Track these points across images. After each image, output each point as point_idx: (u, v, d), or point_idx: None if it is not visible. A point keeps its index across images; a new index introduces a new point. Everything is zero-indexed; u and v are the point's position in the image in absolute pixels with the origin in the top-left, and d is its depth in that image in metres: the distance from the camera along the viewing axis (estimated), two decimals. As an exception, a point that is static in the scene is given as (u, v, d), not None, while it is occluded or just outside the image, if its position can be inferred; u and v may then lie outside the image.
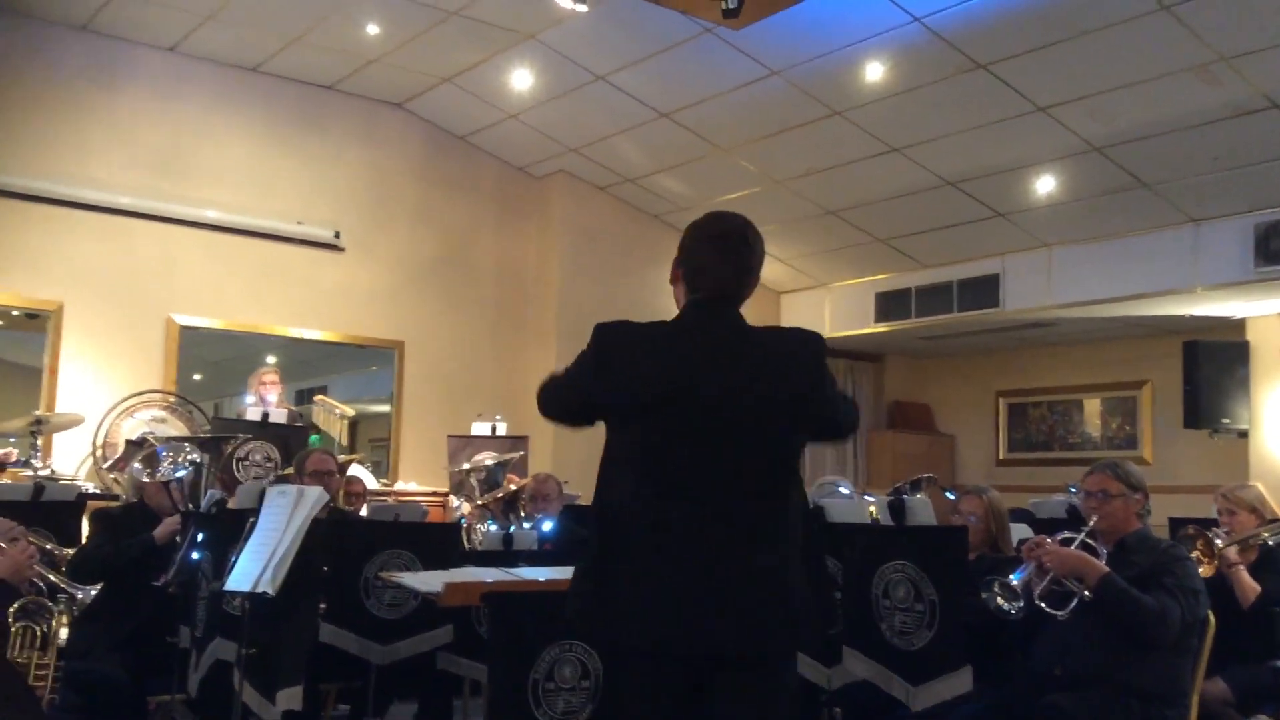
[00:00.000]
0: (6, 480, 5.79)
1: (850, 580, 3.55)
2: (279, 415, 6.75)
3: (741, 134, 8.00)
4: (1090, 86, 6.61)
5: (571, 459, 7.57)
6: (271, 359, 8.10)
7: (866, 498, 5.30)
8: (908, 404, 11.35)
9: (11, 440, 6.64)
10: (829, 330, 10.09)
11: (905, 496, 3.96)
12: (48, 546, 3.41)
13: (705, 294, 2.47)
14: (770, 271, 10.06)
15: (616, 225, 9.45)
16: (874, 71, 6.90)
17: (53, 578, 3.05)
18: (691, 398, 2.35)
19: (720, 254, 2.47)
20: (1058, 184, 7.74)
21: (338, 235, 8.34)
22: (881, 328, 9.72)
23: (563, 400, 2.58)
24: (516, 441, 7.50)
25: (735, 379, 2.37)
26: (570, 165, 9.08)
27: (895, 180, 8.10)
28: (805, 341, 2.49)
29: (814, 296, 10.21)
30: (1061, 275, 8.48)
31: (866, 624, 3.43)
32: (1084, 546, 3.59)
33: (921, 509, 3.60)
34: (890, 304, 9.59)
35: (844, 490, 5.45)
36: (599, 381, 2.43)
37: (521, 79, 7.80)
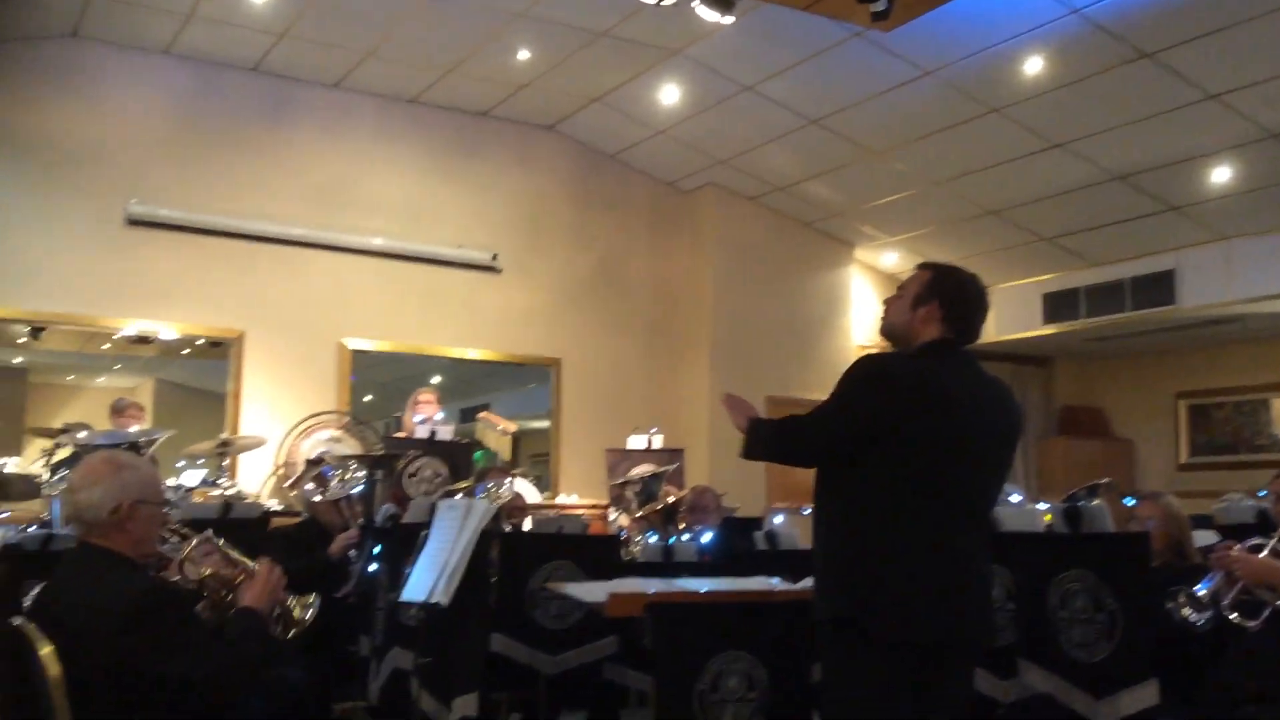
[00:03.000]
0: (197, 499, 6.13)
1: (1024, 590, 3.43)
2: (445, 433, 6.95)
3: (895, 137, 7.86)
4: (1264, 72, 6.26)
5: (729, 472, 7.54)
6: (436, 379, 8.37)
7: (1039, 506, 5.11)
8: (1079, 408, 10.90)
9: (200, 462, 7.04)
10: (993, 334, 9.79)
11: (1081, 503, 3.79)
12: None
13: (955, 338, 2.83)
14: (928, 276, 9.81)
15: (767, 235, 9.41)
16: (1032, 66, 6.68)
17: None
18: (958, 427, 2.69)
19: (982, 313, 2.89)
20: (1234, 174, 7.33)
21: (495, 258, 8.57)
22: (1050, 329, 9.39)
23: (826, 435, 2.79)
24: (673, 454, 7.53)
25: (984, 413, 2.76)
26: (719, 177, 9.10)
27: (1059, 177, 7.82)
28: (1013, 396, 2.96)
29: (975, 300, 9.90)
30: (1243, 269, 8.02)
31: (1043, 636, 3.30)
32: (1275, 554, 3.38)
33: (1099, 516, 3.44)
34: (1058, 305, 9.27)
35: (1014, 498, 5.27)
36: (872, 411, 2.70)
37: (669, 94, 7.87)
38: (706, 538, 5.30)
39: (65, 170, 7.25)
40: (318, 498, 5.03)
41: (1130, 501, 4.55)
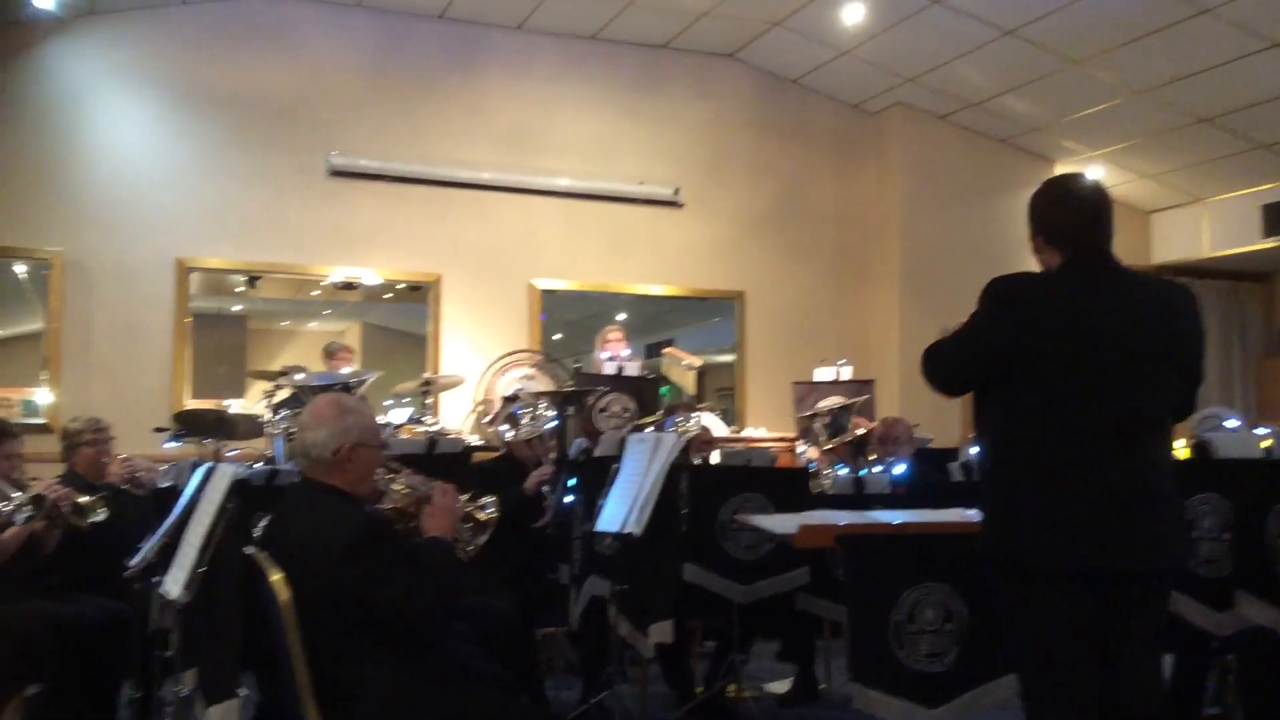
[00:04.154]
0: (405, 435, 6.46)
1: (1241, 519, 3.24)
2: (632, 369, 7.06)
3: (1096, 44, 7.39)
4: None
5: (921, 402, 7.32)
6: (621, 316, 8.50)
7: (1258, 431, 4.81)
8: (1305, 327, 10.11)
9: (406, 400, 7.41)
10: (1208, 250, 9.19)
11: (1306, 429, 3.55)
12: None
13: (1076, 255, 2.62)
14: (1138, 190, 9.29)
15: (960, 155, 9.05)
16: (1250, -45, 6.14)
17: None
18: (1093, 342, 2.53)
19: (1081, 216, 2.64)
20: None
21: (677, 192, 8.57)
22: (1271, 243, 8.73)
23: (958, 360, 2.73)
24: (862, 385, 7.41)
25: (1130, 323, 2.56)
26: (907, 96, 8.79)
27: (1279, 78, 7.19)
28: (1185, 296, 2.68)
29: (1188, 214, 9.30)
30: None
31: (1261, 566, 3.13)
32: None
33: (1326, 442, 3.21)
34: (1279, 217, 8.58)
35: (1231, 423, 4.98)
36: (1000, 333, 2.59)
37: (853, 13, 7.62)
38: (899, 469, 5.24)
39: (270, 125, 7.66)
40: (510, 435, 5.22)
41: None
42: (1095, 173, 9.14)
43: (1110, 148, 8.82)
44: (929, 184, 8.96)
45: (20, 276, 7.30)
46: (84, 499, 4.03)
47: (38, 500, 3.74)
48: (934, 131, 9.01)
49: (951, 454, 5.56)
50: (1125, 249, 2.63)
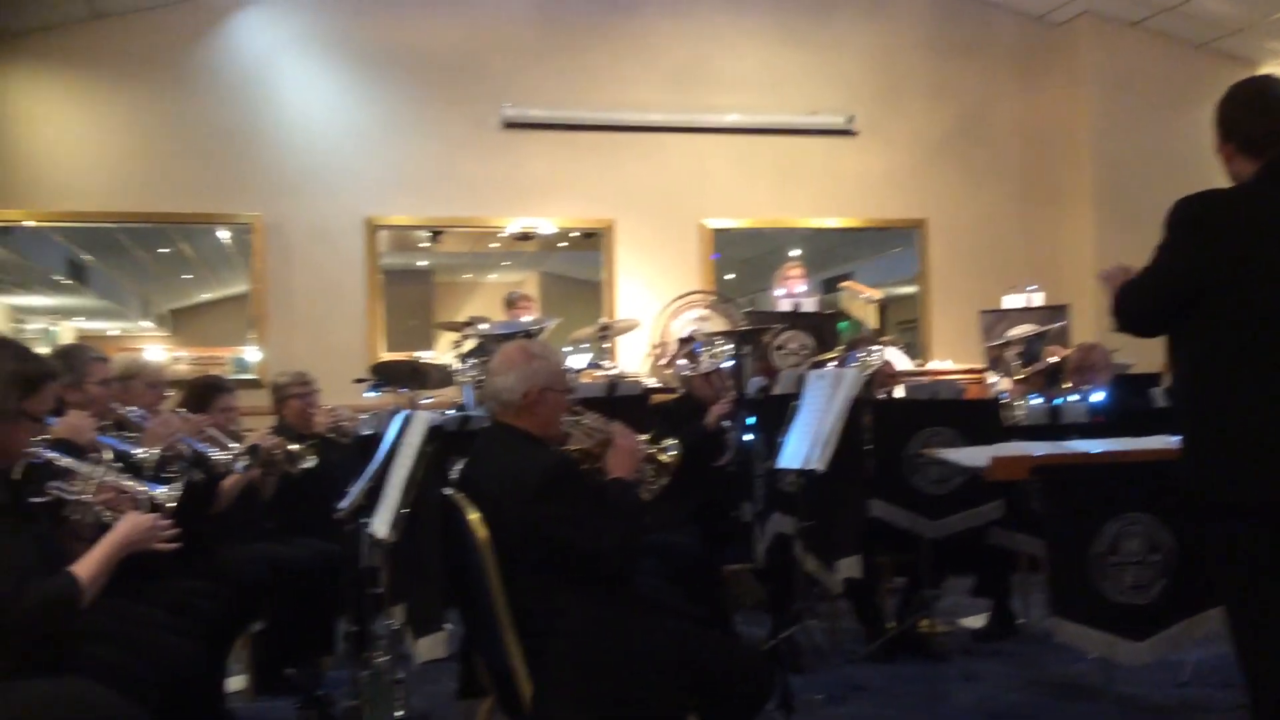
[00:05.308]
0: (585, 380, 6.59)
1: None
2: (809, 305, 6.96)
3: (1308, -71, 6.77)
4: None
5: (1119, 326, 6.95)
6: (795, 252, 8.38)
7: None
8: None
9: (584, 346, 7.54)
10: None
11: None
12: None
13: (1275, 159, 2.41)
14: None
15: (1155, 64, 8.47)
16: None
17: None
18: None
19: (1271, 114, 2.44)
20: None
21: (851, 120, 8.34)
22: None
23: (1150, 298, 2.52)
24: (1055, 311, 7.11)
25: None
26: (1095, 3, 8.26)
27: None
28: None
29: None
30: None
31: None
32: None
33: None
34: None
35: None
36: (1194, 257, 2.40)
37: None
38: (1097, 397, 5.02)
39: (445, 81, 7.85)
40: (689, 372, 5.26)
41: None
42: (1309, 73, 8.40)
43: (1327, 43, 8.09)
44: (1122, 96, 8.43)
45: (225, 241, 7.78)
46: (295, 447, 4.29)
47: (253, 450, 4.00)
48: (1126, 40, 8.45)
49: (1153, 379, 5.28)
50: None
